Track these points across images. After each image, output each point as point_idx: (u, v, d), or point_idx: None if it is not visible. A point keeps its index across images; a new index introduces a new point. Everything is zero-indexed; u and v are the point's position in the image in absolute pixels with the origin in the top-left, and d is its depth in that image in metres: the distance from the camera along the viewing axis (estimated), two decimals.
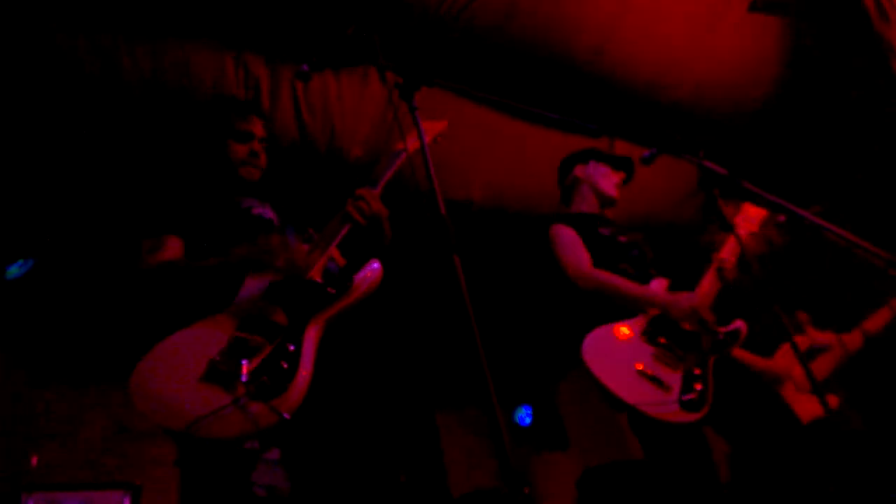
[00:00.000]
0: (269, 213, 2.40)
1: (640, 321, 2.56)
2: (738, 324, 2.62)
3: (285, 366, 1.83)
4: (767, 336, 3.50)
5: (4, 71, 3.14)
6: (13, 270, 4.37)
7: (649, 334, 2.52)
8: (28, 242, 4.32)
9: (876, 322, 3.70)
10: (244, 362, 1.81)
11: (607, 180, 3.04)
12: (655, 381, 2.36)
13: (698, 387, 2.36)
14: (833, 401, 3.44)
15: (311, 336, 1.94)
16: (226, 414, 1.72)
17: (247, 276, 2.09)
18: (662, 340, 2.49)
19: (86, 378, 5.21)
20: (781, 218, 2.65)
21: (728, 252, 2.65)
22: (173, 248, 2.22)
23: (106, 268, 4.29)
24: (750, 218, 2.73)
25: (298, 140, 3.73)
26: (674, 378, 2.39)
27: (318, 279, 2.10)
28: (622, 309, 2.60)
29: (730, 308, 2.68)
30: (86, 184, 3.86)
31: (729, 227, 2.50)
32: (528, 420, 7.16)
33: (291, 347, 1.89)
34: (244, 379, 1.77)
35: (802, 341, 3.68)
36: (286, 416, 1.73)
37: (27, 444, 4.88)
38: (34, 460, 4.77)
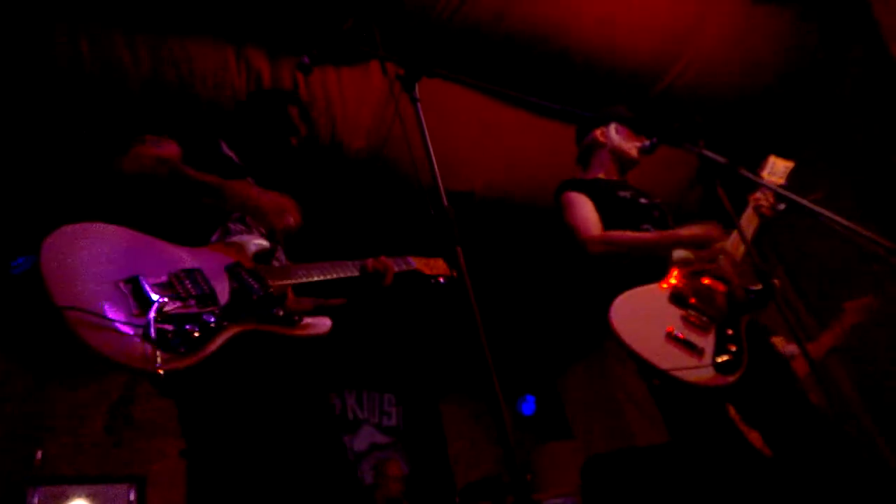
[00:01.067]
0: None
1: (667, 283, 2.46)
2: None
3: (196, 335, 1.67)
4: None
5: (4, 70, 3.14)
6: (17, 266, 4.38)
7: (678, 297, 2.41)
8: (29, 240, 4.32)
9: (826, 341, 3.64)
10: (160, 300, 1.65)
11: (628, 143, 2.94)
12: (687, 344, 2.27)
13: (732, 347, 2.28)
14: None
15: (229, 333, 1.79)
16: (111, 329, 1.54)
17: (234, 224, 2.02)
18: (692, 301, 2.39)
19: (89, 373, 5.23)
20: (781, 206, 2.59)
21: (762, 196, 2.57)
22: (170, 148, 2.10)
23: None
24: (777, 171, 2.60)
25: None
26: (706, 341, 2.29)
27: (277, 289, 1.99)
28: (640, 277, 2.48)
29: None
30: (86, 183, 3.86)
31: (733, 225, 2.38)
32: (531, 409, 7.20)
33: (213, 322, 1.73)
34: (151, 314, 1.60)
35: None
36: (160, 371, 1.54)
37: (32, 441, 4.89)
38: (38, 455, 4.79)
